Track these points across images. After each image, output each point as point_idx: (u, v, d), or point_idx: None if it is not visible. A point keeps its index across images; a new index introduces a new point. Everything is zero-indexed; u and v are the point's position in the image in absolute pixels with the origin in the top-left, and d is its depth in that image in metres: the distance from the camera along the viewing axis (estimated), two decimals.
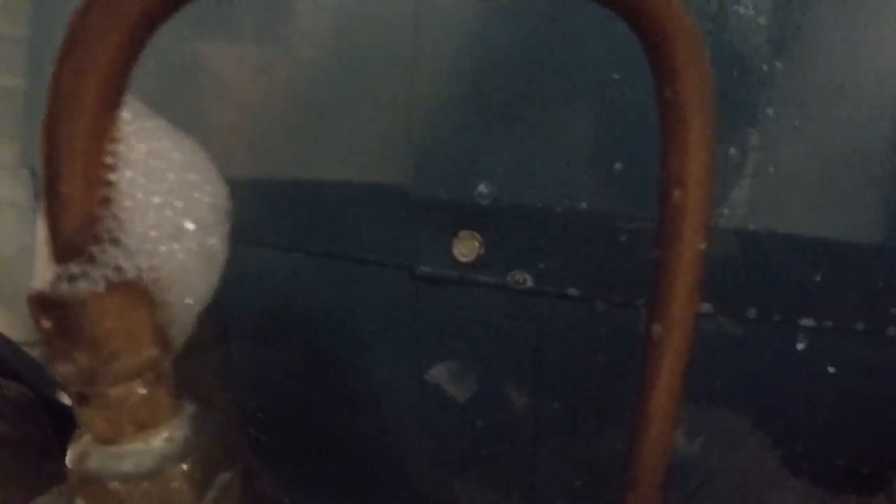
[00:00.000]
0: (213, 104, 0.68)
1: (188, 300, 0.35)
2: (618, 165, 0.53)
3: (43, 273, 0.33)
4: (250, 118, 0.66)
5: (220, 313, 0.63)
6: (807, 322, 0.52)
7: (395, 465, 0.71)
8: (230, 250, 0.65)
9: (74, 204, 0.31)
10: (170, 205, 0.33)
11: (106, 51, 0.30)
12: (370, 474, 0.73)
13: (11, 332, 1.24)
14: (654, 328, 0.46)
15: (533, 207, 0.55)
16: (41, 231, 0.35)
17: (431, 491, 0.71)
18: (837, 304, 0.50)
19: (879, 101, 0.48)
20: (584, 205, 0.54)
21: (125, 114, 0.32)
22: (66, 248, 0.32)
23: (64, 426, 1.00)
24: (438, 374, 0.64)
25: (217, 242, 0.35)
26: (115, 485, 0.34)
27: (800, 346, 0.52)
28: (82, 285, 0.32)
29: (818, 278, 0.50)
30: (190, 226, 0.34)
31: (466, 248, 0.58)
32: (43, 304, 0.33)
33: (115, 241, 0.32)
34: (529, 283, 0.58)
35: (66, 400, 1.07)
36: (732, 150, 0.50)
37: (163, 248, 0.33)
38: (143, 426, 0.35)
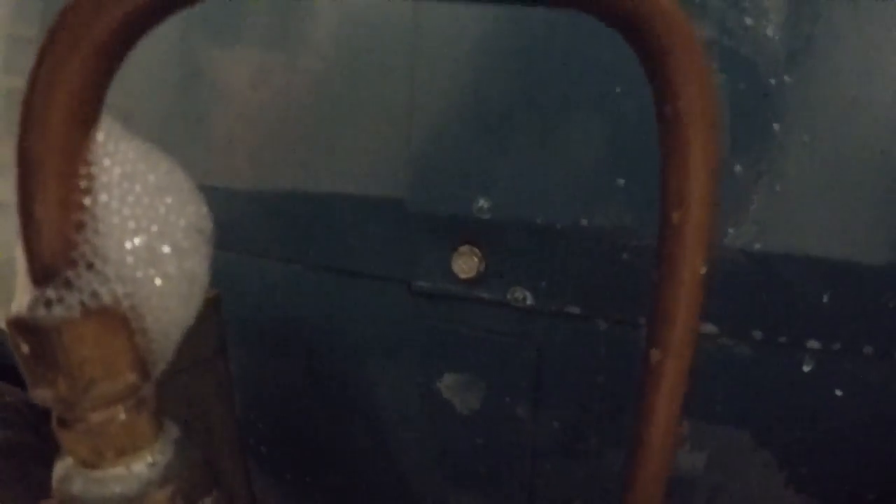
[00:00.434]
0: (212, 115, 0.67)
1: (167, 326, 0.34)
2: (620, 181, 0.52)
3: (21, 296, 0.33)
4: (250, 130, 0.65)
5: (219, 325, 0.62)
6: (813, 344, 0.50)
7: (392, 478, 0.70)
8: (234, 261, 0.65)
9: (48, 227, 0.31)
10: (146, 229, 0.32)
11: (75, 70, 0.29)
12: (368, 487, 0.73)
13: None
14: (651, 353, 0.45)
15: (533, 223, 0.54)
16: (20, 253, 0.34)
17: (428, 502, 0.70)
18: (845, 327, 0.49)
19: (891, 117, 0.46)
20: (585, 221, 0.53)
21: (99, 135, 0.32)
22: (42, 272, 0.31)
23: None
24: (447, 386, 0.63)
25: (196, 266, 0.35)
26: None
27: (806, 369, 0.51)
28: (58, 311, 0.31)
29: (825, 300, 0.49)
30: (167, 250, 0.33)
31: (466, 263, 0.57)
32: (20, 328, 0.32)
33: (91, 266, 0.31)
34: (530, 300, 0.56)
35: None
36: (739, 168, 0.49)
37: (139, 274, 0.32)
38: (125, 451, 0.34)
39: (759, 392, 0.53)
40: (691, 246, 0.43)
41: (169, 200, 0.33)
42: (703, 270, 0.43)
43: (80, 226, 0.31)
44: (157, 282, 0.33)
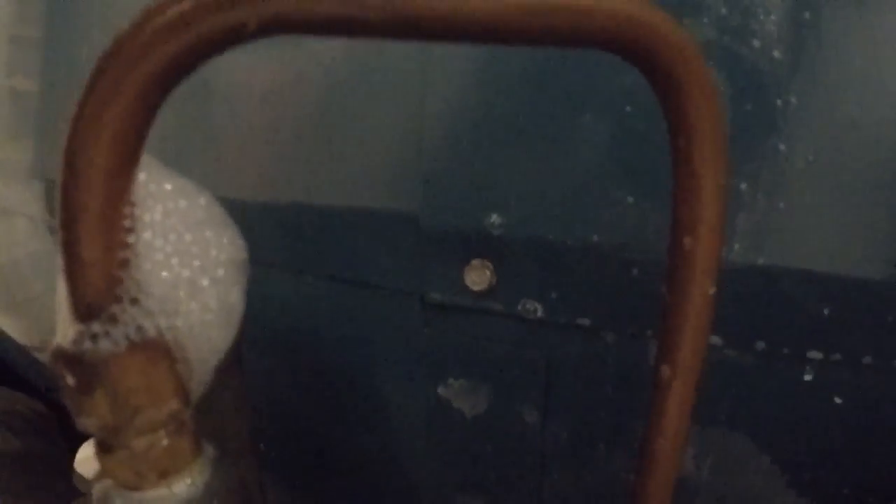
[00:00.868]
0: (223, 128, 0.68)
1: (207, 354, 0.36)
2: (630, 199, 0.53)
3: (64, 328, 0.34)
4: (261, 142, 0.66)
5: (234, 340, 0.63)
6: (814, 355, 0.52)
7: (403, 488, 0.72)
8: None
9: (94, 267, 0.32)
10: (188, 264, 0.34)
11: (118, 114, 0.30)
12: (378, 497, 0.74)
13: (22, 337, 1.26)
14: (662, 369, 0.47)
15: (545, 238, 0.56)
16: (61, 286, 0.35)
17: None
18: (845, 338, 0.51)
19: (891, 138, 0.48)
20: (595, 237, 0.54)
21: (141, 175, 0.33)
22: (87, 309, 0.33)
23: (76, 439, 1.01)
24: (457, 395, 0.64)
25: (234, 297, 0.36)
26: None
27: (807, 378, 0.53)
28: (104, 344, 0.32)
29: (826, 312, 0.51)
30: (208, 283, 0.34)
31: (478, 276, 0.58)
32: (65, 360, 0.33)
33: (135, 302, 0.33)
34: (540, 312, 0.58)
35: None
36: (744, 186, 0.50)
37: (182, 307, 0.34)
38: (167, 474, 0.35)
39: (762, 400, 0.55)
40: (701, 269, 0.45)
41: (208, 234, 0.35)
42: (712, 291, 0.45)
43: (125, 263, 0.32)
44: (199, 314, 0.34)
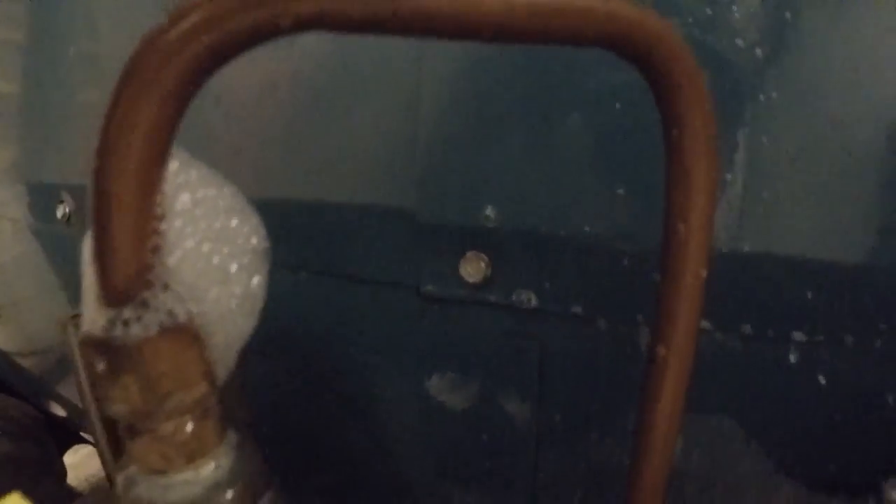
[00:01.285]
0: (218, 123, 0.69)
1: (233, 339, 0.37)
2: (620, 191, 0.55)
3: (92, 316, 0.35)
4: (256, 137, 0.67)
5: None
6: (799, 336, 0.55)
7: (397, 479, 0.73)
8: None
9: (127, 254, 0.33)
10: (218, 251, 0.35)
11: (155, 105, 0.31)
12: (374, 489, 0.76)
13: (7, 342, 1.25)
14: (658, 349, 0.49)
15: (538, 230, 0.58)
16: (88, 275, 0.36)
17: (434, 502, 0.73)
18: (828, 320, 0.53)
19: (867, 132, 0.51)
20: (587, 228, 0.57)
21: (172, 164, 0.34)
22: (119, 295, 0.34)
23: (65, 442, 1.01)
24: (452, 386, 0.66)
25: (258, 284, 0.37)
26: None
27: (792, 359, 0.55)
28: (136, 330, 0.33)
29: (809, 295, 0.53)
30: (235, 269, 0.36)
31: (473, 268, 0.60)
32: (96, 347, 0.34)
33: (167, 287, 0.34)
34: (534, 301, 0.60)
35: (61, 412, 1.08)
36: (729, 177, 0.53)
37: (212, 293, 0.35)
38: (193, 457, 0.36)
39: (750, 382, 0.57)
40: (694, 254, 0.47)
41: (234, 222, 0.36)
42: (704, 274, 0.48)
43: (156, 249, 0.34)
44: (227, 300, 0.36)
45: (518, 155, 0.57)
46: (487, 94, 0.57)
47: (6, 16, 0.98)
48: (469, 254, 0.60)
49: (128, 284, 0.33)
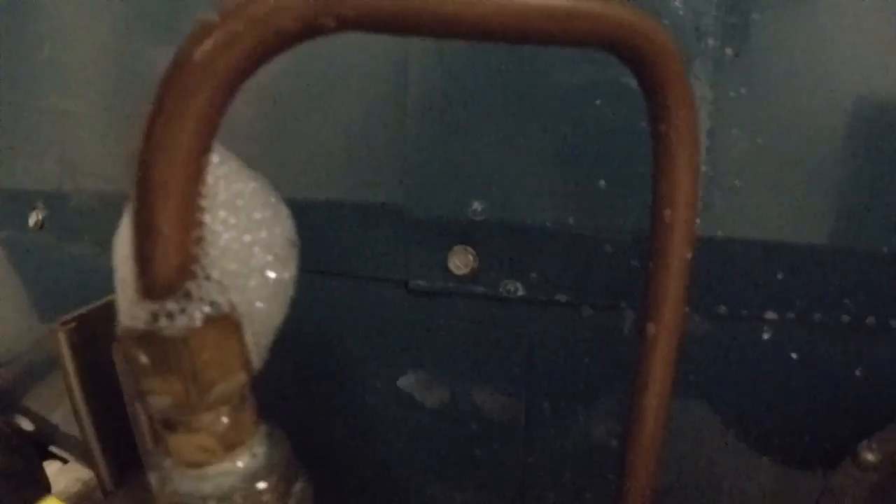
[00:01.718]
0: None
1: (269, 328, 0.38)
2: (602, 183, 0.58)
3: (132, 310, 0.35)
4: (240, 136, 0.68)
5: None
6: (771, 315, 0.59)
7: (388, 471, 0.74)
8: None
9: (172, 245, 0.34)
10: (257, 241, 0.36)
11: (206, 98, 0.32)
12: (362, 482, 0.76)
13: None
14: (647, 327, 0.52)
15: (524, 223, 0.60)
16: (123, 270, 0.37)
17: (426, 494, 0.74)
18: (798, 299, 0.58)
19: (830, 123, 0.55)
20: (571, 219, 0.59)
21: (214, 157, 0.35)
22: (164, 287, 0.34)
23: (47, 452, 0.98)
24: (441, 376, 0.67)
25: (290, 274, 0.38)
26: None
27: (766, 337, 0.59)
28: (181, 321, 0.34)
29: (780, 276, 0.57)
30: (271, 259, 0.37)
31: (461, 261, 0.62)
32: (140, 341, 0.35)
33: (209, 278, 0.35)
34: (521, 291, 0.62)
35: (26, 426, 1.04)
36: (704, 168, 0.56)
37: (252, 282, 0.36)
38: (231, 447, 0.37)
39: (725, 360, 0.61)
40: (680, 238, 0.50)
41: (269, 213, 0.37)
42: (690, 256, 0.51)
43: (200, 240, 0.34)
44: (264, 289, 0.37)
45: (503, 150, 0.60)
46: (473, 90, 0.59)
47: None
48: (457, 247, 0.62)
49: (173, 276, 0.34)
